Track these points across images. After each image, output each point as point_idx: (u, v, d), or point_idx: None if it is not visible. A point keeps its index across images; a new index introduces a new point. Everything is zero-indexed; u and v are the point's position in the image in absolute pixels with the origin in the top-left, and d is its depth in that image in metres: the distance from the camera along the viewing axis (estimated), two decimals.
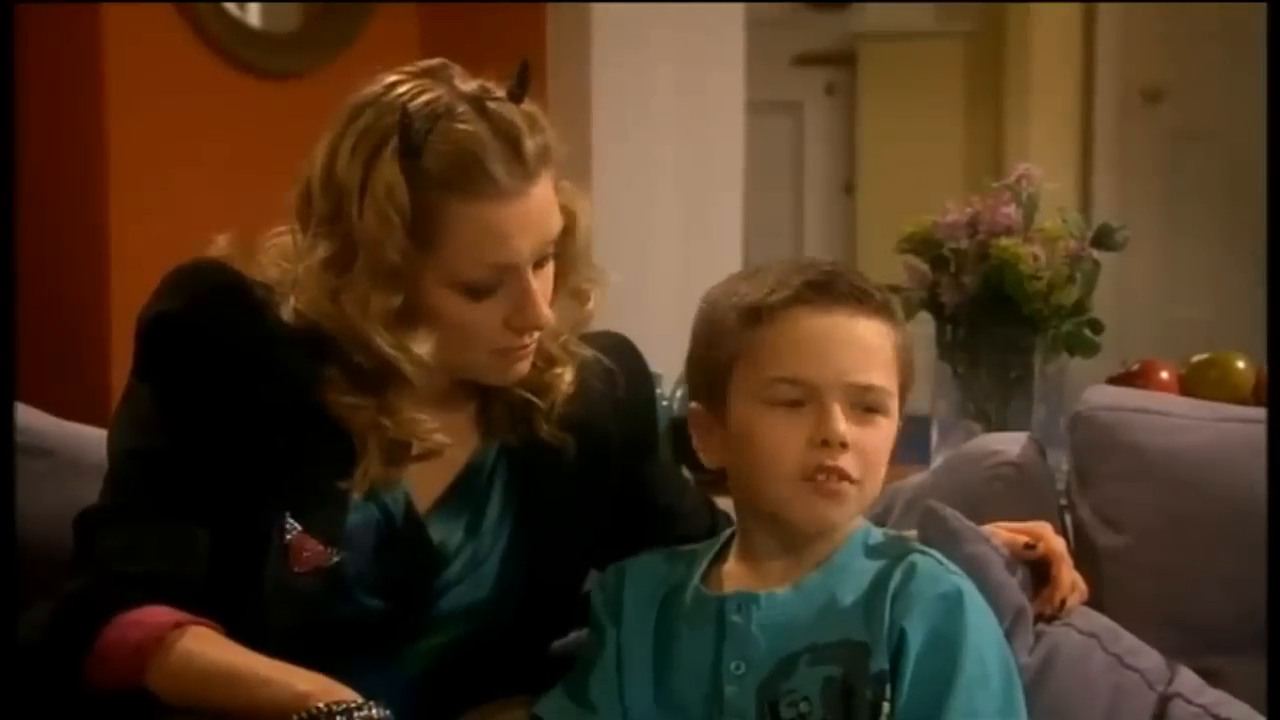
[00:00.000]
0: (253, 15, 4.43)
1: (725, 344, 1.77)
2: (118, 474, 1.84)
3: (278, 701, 1.68)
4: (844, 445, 1.72)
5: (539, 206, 1.80)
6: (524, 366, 1.86)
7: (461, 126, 1.78)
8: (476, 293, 1.80)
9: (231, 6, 4.30)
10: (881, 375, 1.75)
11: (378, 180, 1.77)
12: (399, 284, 1.79)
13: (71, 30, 3.97)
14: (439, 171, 1.77)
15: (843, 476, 1.73)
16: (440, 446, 1.85)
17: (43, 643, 1.77)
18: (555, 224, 1.83)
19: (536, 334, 1.84)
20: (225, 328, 1.82)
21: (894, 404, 1.76)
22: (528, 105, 1.82)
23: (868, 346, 1.75)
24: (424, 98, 1.79)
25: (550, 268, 1.84)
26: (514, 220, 1.78)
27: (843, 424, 1.72)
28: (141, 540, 1.79)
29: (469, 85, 1.81)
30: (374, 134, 1.78)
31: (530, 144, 1.79)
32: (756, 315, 1.75)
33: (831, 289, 1.75)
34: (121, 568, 1.78)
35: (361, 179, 1.78)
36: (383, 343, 1.79)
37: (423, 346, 1.80)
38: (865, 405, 1.74)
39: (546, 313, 1.82)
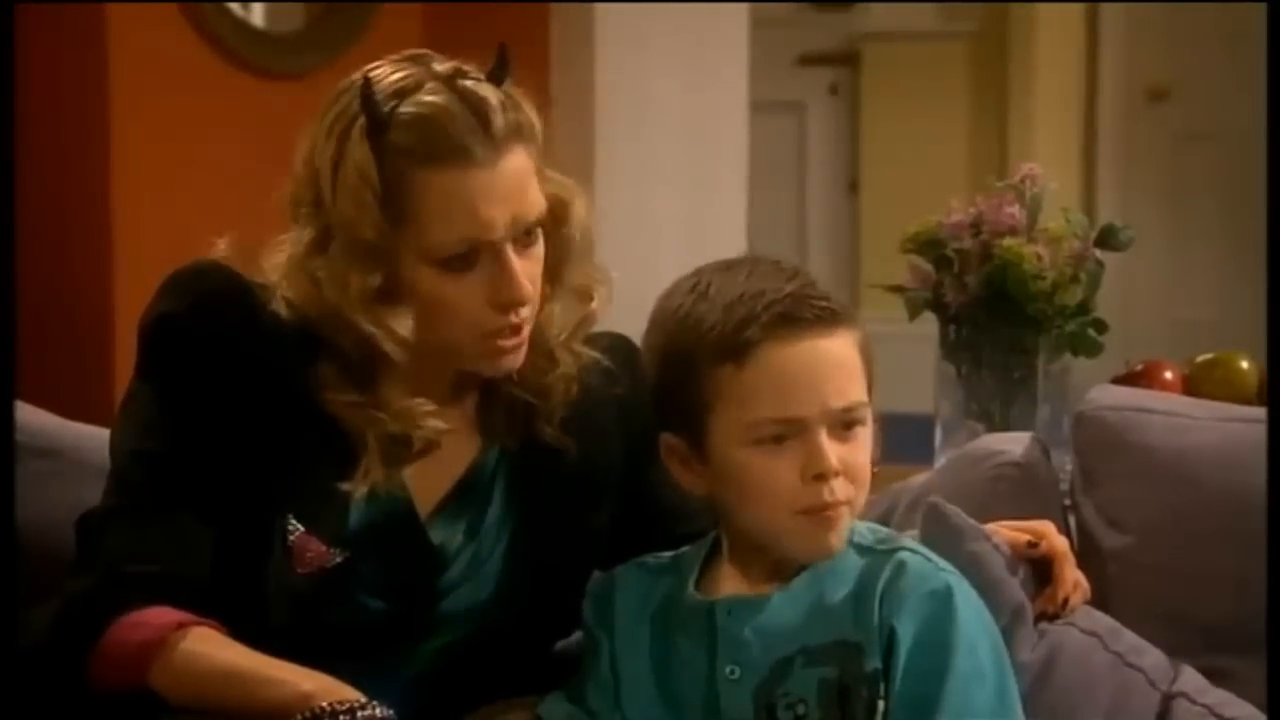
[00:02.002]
0: (256, 15, 4.43)
1: (699, 383, 1.73)
2: (120, 475, 1.84)
3: (281, 701, 1.69)
4: (836, 474, 1.71)
5: (511, 178, 1.79)
6: (517, 357, 1.84)
7: (427, 98, 1.78)
8: (453, 266, 1.79)
9: (235, 6, 4.30)
10: (857, 389, 1.73)
11: (349, 159, 1.77)
12: (377, 262, 1.78)
13: (76, 30, 3.98)
14: (405, 143, 1.76)
15: (839, 504, 1.72)
16: (437, 434, 1.85)
17: (46, 643, 1.77)
18: (533, 199, 1.81)
19: (524, 313, 1.82)
20: (226, 329, 1.82)
21: (869, 410, 1.75)
22: (508, 88, 1.82)
23: (843, 365, 1.73)
24: (394, 76, 1.79)
25: (538, 250, 1.83)
26: (483, 189, 1.77)
27: (833, 455, 1.71)
28: (145, 541, 1.79)
29: (444, 66, 1.82)
30: (345, 115, 1.79)
31: (500, 117, 1.78)
32: (730, 355, 1.71)
33: (799, 317, 1.71)
34: (125, 569, 1.78)
35: (334, 160, 1.78)
36: (361, 320, 1.78)
37: (403, 325, 1.79)
38: (846, 423, 1.73)
39: (528, 288, 1.80)
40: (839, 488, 1.72)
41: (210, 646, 1.74)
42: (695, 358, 1.73)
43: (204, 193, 3.97)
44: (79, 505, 1.86)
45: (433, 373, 1.85)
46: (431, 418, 1.84)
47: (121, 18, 4.00)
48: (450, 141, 1.76)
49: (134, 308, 1.88)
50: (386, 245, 1.78)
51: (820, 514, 1.72)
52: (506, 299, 1.80)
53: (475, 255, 1.79)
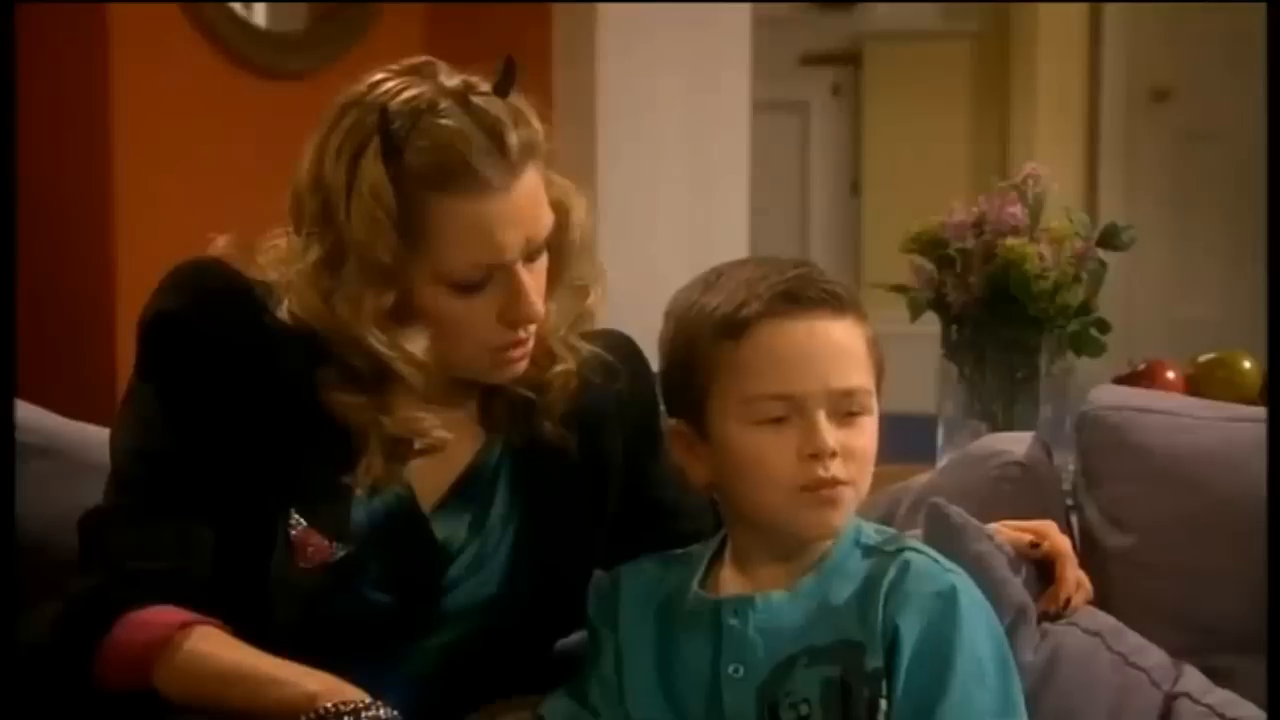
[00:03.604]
0: (258, 15, 4.43)
1: (700, 362, 1.74)
2: (121, 474, 1.84)
3: (285, 701, 1.68)
4: (833, 454, 1.71)
5: (525, 201, 1.80)
6: (523, 365, 1.85)
7: (443, 122, 1.77)
8: (467, 289, 1.80)
9: (237, 6, 4.31)
10: (860, 375, 1.73)
11: (363, 181, 1.77)
12: (391, 283, 1.78)
13: (77, 30, 3.98)
14: (422, 169, 1.76)
15: (837, 484, 1.72)
16: (441, 442, 1.85)
17: (50, 643, 1.77)
18: (544, 218, 1.82)
19: (532, 328, 1.83)
20: (225, 326, 1.82)
21: (874, 400, 1.75)
22: (514, 99, 1.82)
23: (843, 349, 1.73)
24: (406, 94, 1.79)
25: (543, 261, 1.84)
26: (499, 215, 1.78)
27: (830, 434, 1.71)
28: (147, 539, 1.79)
29: (453, 81, 1.81)
30: (357, 134, 1.78)
31: (514, 138, 1.78)
32: (729, 332, 1.72)
33: (801, 297, 1.72)
34: (128, 567, 1.78)
35: (347, 180, 1.78)
36: (376, 343, 1.78)
37: (417, 345, 1.80)
38: (847, 409, 1.72)
39: (539, 307, 1.82)
40: (836, 466, 1.71)
41: (214, 646, 1.74)
42: (698, 339, 1.74)
43: (205, 192, 3.97)
44: (79, 505, 1.85)
45: (440, 383, 1.85)
46: (437, 428, 1.84)
47: (122, 17, 4.00)
48: (467, 168, 1.76)
49: (135, 307, 1.88)
50: (400, 267, 1.78)
51: (817, 491, 1.71)
52: (517, 317, 1.81)
53: (488, 277, 1.80)
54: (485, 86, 1.81)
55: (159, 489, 1.80)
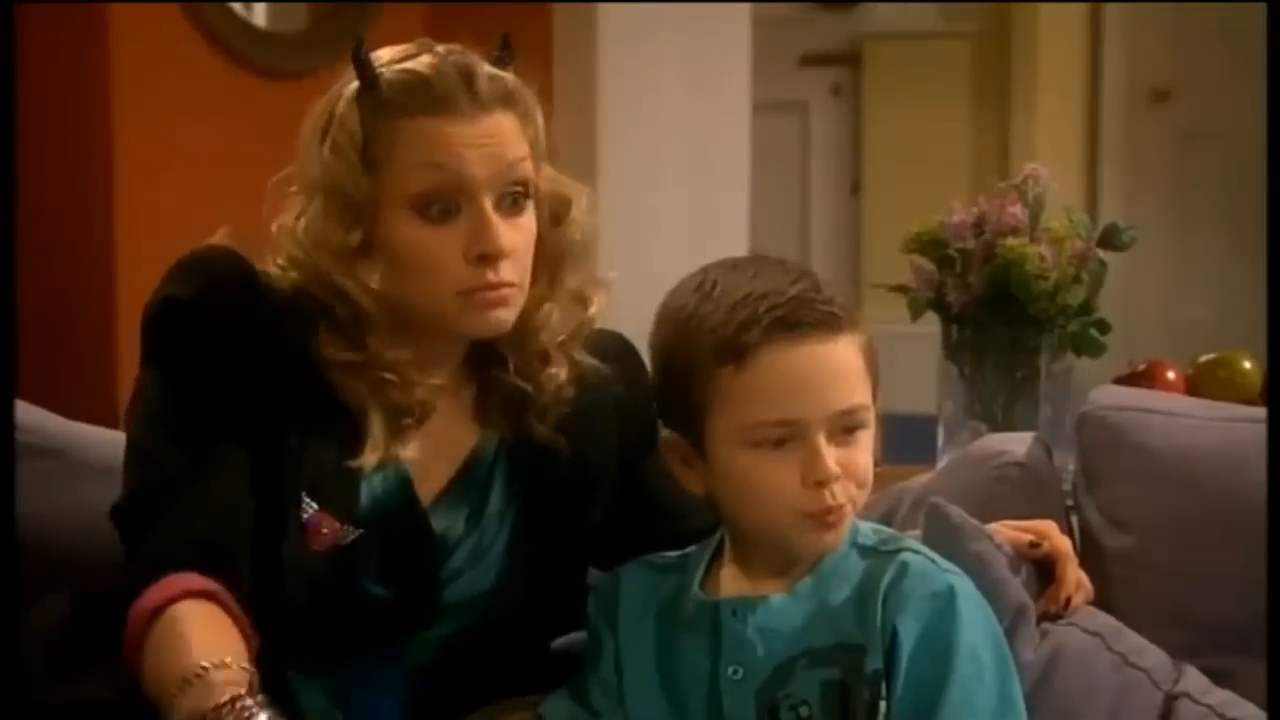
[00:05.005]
0: (259, 15, 4.43)
1: (697, 384, 1.73)
2: (140, 458, 1.83)
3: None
4: (837, 478, 1.70)
5: (492, 133, 1.81)
6: (504, 315, 1.83)
7: (422, 58, 1.83)
8: (430, 215, 1.80)
9: (238, 6, 4.31)
10: (859, 392, 1.72)
11: (335, 121, 1.82)
12: (357, 219, 1.80)
13: (78, 30, 3.98)
14: (391, 97, 1.80)
15: (840, 506, 1.72)
16: (432, 393, 1.85)
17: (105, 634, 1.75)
18: (518, 162, 1.82)
19: (504, 272, 1.81)
20: (232, 311, 1.82)
21: (871, 414, 1.74)
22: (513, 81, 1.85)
23: (844, 370, 1.72)
24: (393, 51, 1.85)
25: (526, 222, 1.83)
26: (462, 136, 1.80)
27: (832, 460, 1.70)
28: (182, 512, 1.77)
29: (444, 47, 1.86)
30: (338, 90, 1.84)
31: (487, 83, 1.81)
32: (727, 358, 1.70)
33: (800, 321, 1.70)
34: (170, 543, 1.76)
35: (324, 127, 1.83)
36: (336, 275, 1.80)
37: (373, 278, 1.81)
38: (847, 427, 1.72)
39: (504, 241, 1.80)
40: (839, 491, 1.71)
41: (167, 639, 1.70)
42: (696, 358, 1.73)
43: (206, 193, 3.96)
44: (79, 505, 1.86)
45: (426, 343, 1.85)
46: (430, 379, 1.84)
47: (123, 17, 4.00)
48: (430, 91, 1.80)
49: (135, 307, 1.88)
50: (366, 201, 1.80)
51: (822, 517, 1.72)
52: (481, 250, 1.80)
53: (453, 203, 1.80)
54: (474, 56, 1.85)
55: (180, 465, 1.79)
